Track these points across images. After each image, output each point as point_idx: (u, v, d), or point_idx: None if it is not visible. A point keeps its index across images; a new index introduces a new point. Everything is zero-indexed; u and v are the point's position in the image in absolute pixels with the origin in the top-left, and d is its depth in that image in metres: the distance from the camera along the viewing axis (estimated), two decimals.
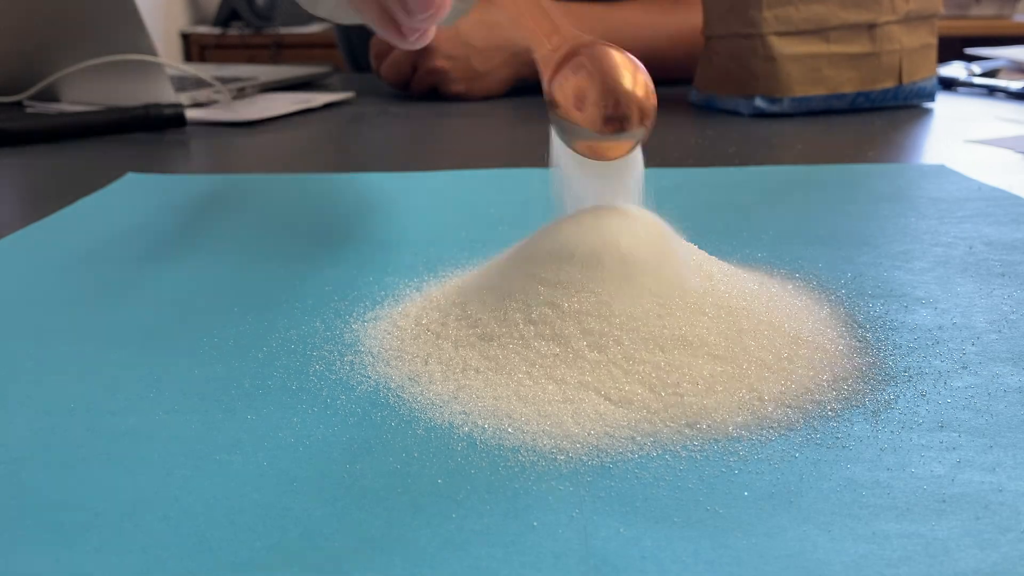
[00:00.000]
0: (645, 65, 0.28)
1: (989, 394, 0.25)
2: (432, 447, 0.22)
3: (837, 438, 0.22)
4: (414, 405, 0.24)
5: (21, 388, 0.26)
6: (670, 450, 0.22)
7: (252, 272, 0.36)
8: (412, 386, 0.25)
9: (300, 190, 0.52)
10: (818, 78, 0.76)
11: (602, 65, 0.27)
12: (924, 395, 0.25)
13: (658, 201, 0.30)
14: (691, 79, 0.87)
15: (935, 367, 0.26)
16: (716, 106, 0.82)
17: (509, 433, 0.23)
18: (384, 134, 0.76)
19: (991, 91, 0.90)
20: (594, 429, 0.23)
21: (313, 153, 0.68)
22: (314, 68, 1.12)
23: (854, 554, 0.18)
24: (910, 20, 0.77)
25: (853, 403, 0.24)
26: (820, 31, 0.75)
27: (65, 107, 0.80)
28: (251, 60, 2.79)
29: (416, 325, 0.29)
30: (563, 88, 0.28)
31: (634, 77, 0.27)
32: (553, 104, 0.28)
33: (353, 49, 1.28)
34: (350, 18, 0.40)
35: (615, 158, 0.28)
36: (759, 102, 0.76)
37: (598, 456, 0.22)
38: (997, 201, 0.46)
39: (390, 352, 0.27)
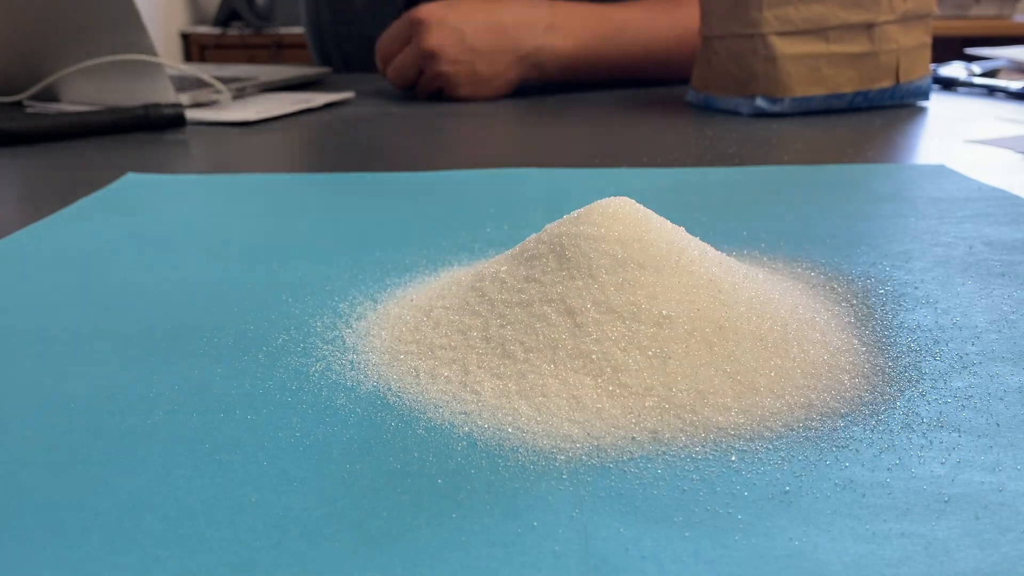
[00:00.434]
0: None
1: (989, 394, 0.25)
2: (432, 447, 0.22)
3: (837, 438, 0.22)
4: (414, 405, 0.24)
5: (21, 388, 0.26)
6: (670, 450, 0.22)
7: (252, 272, 0.36)
8: (412, 386, 0.25)
9: (300, 190, 0.52)
10: (818, 78, 0.76)
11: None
12: (924, 395, 0.25)
13: (658, 201, 0.30)
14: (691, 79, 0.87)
15: (935, 367, 0.26)
16: (715, 106, 0.82)
17: (509, 433, 0.23)
18: (384, 134, 0.76)
19: (991, 91, 0.90)
20: (594, 429, 0.23)
21: (313, 153, 0.68)
22: (314, 68, 1.12)
23: (854, 554, 0.18)
24: (907, 20, 0.77)
25: (853, 403, 0.24)
26: (820, 31, 0.75)
27: (65, 107, 0.80)
28: (251, 60, 2.79)
29: (416, 325, 0.29)
30: None
31: None
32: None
33: (324, 45, 1.28)
34: None
35: None
36: (760, 102, 0.76)
37: (598, 456, 0.22)
38: (997, 201, 0.46)
39: (390, 352, 0.27)
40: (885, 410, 0.24)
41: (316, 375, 0.26)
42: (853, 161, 0.58)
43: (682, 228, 0.29)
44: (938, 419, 0.23)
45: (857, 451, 0.22)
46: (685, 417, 0.23)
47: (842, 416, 0.23)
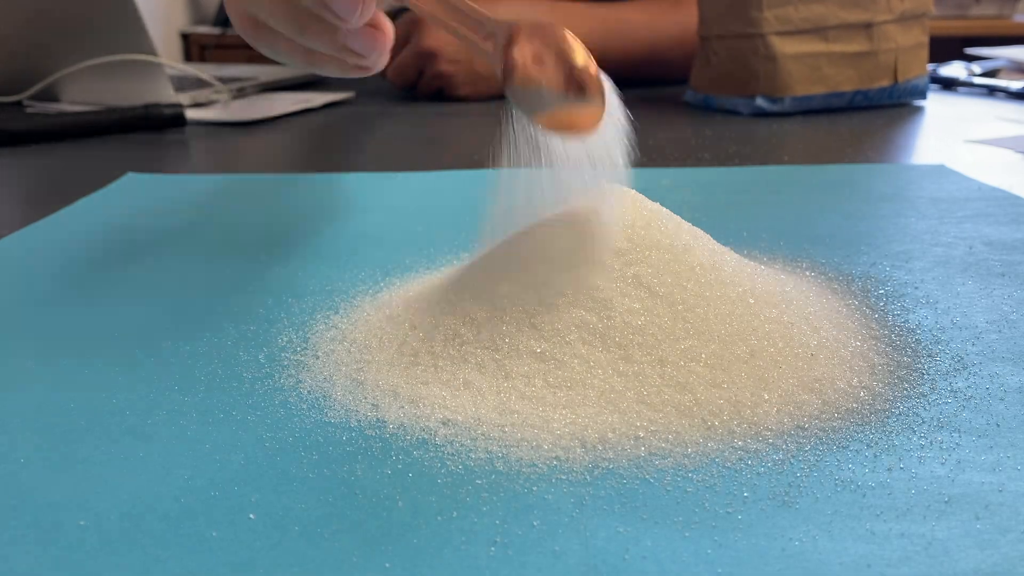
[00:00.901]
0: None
1: (989, 394, 0.25)
2: (433, 447, 0.22)
3: (837, 439, 0.22)
4: (415, 405, 0.24)
5: (21, 388, 0.26)
6: (670, 450, 0.22)
7: (252, 272, 0.36)
8: (413, 386, 0.25)
9: (300, 190, 0.52)
10: (818, 77, 0.77)
11: (553, 35, 0.26)
12: (924, 395, 0.25)
13: (658, 201, 0.30)
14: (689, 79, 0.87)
15: (935, 367, 0.26)
16: (715, 106, 0.82)
17: (509, 433, 0.23)
18: (384, 134, 0.76)
19: (991, 91, 0.90)
20: (594, 429, 0.23)
21: (313, 153, 0.68)
22: None
23: (854, 554, 0.18)
24: (904, 19, 0.78)
25: (853, 403, 0.24)
26: (819, 30, 0.76)
27: (65, 107, 0.80)
28: (251, 60, 2.78)
29: (417, 325, 0.29)
30: (521, 53, 0.27)
31: (585, 52, 0.26)
32: (510, 70, 0.26)
33: None
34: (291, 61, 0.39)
35: (585, 129, 0.26)
36: (760, 101, 0.76)
37: (598, 456, 0.22)
38: (997, 201, 0.46)
39: (392, 352, 0.27)
40: (885, 411, 0.24)
41: (316, 375, 0.26)
42: (853, 161, 0.58)
43: (680, 218, 0.29)
44: (938, 419, 0.23)
45: (857, 452, 0.22)
46: (685, 418, 0.23)
47: (842, 417, 0.23)
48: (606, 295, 0.26)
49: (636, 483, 0.20)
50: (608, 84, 0.26)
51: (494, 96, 0.94)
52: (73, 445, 0.23)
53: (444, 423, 0.23)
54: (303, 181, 0.54)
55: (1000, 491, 0.20)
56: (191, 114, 0.77)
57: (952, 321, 0.30)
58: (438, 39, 0.90)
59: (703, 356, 0.25)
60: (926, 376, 0.26)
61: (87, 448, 0.22)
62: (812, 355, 0.26)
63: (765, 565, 0.17)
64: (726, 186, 0.51)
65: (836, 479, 0.20)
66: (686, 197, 0.48)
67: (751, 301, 0.27)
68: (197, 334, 0.30)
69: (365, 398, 0.25)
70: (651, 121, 0.76)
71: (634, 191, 0.29)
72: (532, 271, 0.27)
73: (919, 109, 0.80)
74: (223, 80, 0.89)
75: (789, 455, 0.22)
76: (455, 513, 0.19)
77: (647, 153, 0.62)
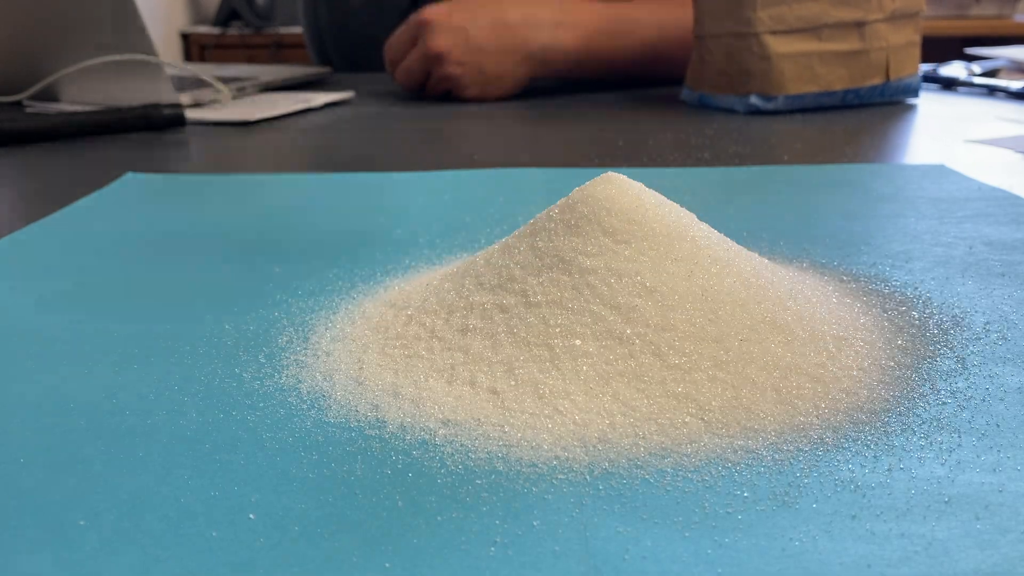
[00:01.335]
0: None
1: (989, 395, 0.25)
2: (433, 447, 0.22)
3: (837, 439, 0.22)
4: (415, 405, 0.24)
5: (21, 388, 0.26)
6: (670, 450, 0.22)
7: (253, 272, 0.36)
8: (414, 386, 0.25)
9: (300, 190, 0.52)
10: (811, 76, 0.78)
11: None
12: (924, 396, 0.25)
13: None
14: None
15: (935, 367, 0.26)
16: (710, 104, 0.82)
17: (509, 433, 0.23)
18: (384, 134, 0.76)
19: (991, 91, 0.90)
20: (594, 429, 0.23)
21: (313, 153, 0.68)
22: (314, 68, 1.12)
23: (854, 554, 0.18)
24: (896, 18, 0.79)
25: (853, 403, 0.24)
26: (812, 29, 0.77)
27: (65, 107, 0.80)
28: (251, 60, 2.79)
29: (418, 323, 0.29)
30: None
31: None
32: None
33: (322, 44, 1.27)
34: None
35: None
36: (754, 100, 0.77)
37: (598, 456, 0.22)
38: (997, 201, 0.46)
39: (392, 351, 0.27)
40: (885, 411, 0.24)
41: (316, 375, 0.26)
42: (853, 160, 0.58)
43: (677, 206, 0.30)
44: (938, 420, 0.23)
45: (857, 452, 0.22)
46: (685, 418, 0.23)
47: (842, 416, 0.23)
48: (607, 293, 0.26)
49: (636, 483, 0.20)
50: None
51: (502, 97, 0.94)
52: (73, 445, 0.23)
53: (444, 423, 0.23)
54: (303, 181, 0.54)
55: (1000, 491, 0.20)
56: (191, 114, 0.77)
57: (952, 321, 0.30)
58: (445, 41, 0.90)
59: (704, 355, 0.25)
60: (926, 376, 0.26)
61: (87, 448, 0.22)
62: (812, 355, 0.26)
63: (765, 565, 0.17)
64: (724, 186, 0.51)
65: (836, 479, 0.20)
66: (687, 197, 0.48)
67: (754, 300, 0.27)
68: (197, 334, 0.30)
69: (365, 398, 0.25)
70: (651, 120, 0.76)
71: (626, 178, 0.29)
72: (535, 268, 0.27)
73: (913, 107, 0.81)
74: (223, 80, 0.89)
75: (789, 455, 0.22)
76: (455, 513, 0.19)
77: (648, 152, 0.62)
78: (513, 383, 0.24)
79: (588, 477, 0.21)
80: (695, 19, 0.83)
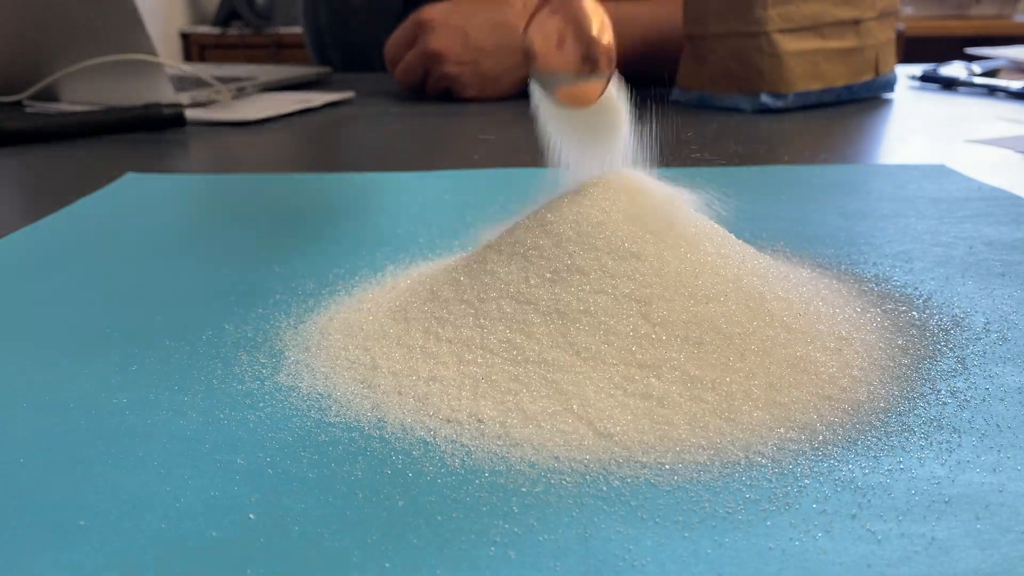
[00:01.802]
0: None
1: (989, 394, 0.25)
2: (433, 447, 0.22)
3: (837, 439, 0.22)
4: (415, 404, 0.24)
5: (21, 388, 0.26)
6: (670, 450, 0.22)
7: (252, 272, 0.36)
8: (414, 385, 0.25)
9: (300, 190, 0.52)
10: (816, 73, 0.79)
11: (573, 9, 0.28)
12: (924, 396, 0.25)
13: None
14: None
15: (935, 367, 0.26)
16: (712, 104, 0.82)
17: (510, 433, 0.23)
18: (384, 134, 0.76)
19: (991, 91, 0.90)
20: (594, 429, 0.23)
21: (313, 153, 0.68)
22: (314, 68, 1.12)
23: (854, 554, 0.18)
24: (882, 16, 0.82)
25: (853, 404, 0.24)
26: (816, 27, 0.79)
27: (65, 107, 0.80)
28: (251, 60, 2.79)
29: (418, 323, 0.29)
30: (542, 30, 0.29)
31: (602, 20, 0.28)
32: (531, 52, 0.29)
33: (322, 44, 1.27)
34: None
35: (592, 100, 0.29)
36: (765, 98, 0.78)
37: (598, 456, 0.22)
38: (997, 201, 0.46)
39: (392, 351, 0.27)
40: (885, 411, 0.24)
41: (317, 375, 0.26)
42: (852, 160, 0.58)
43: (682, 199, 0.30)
44: (938, 420, 0.23)
45: (857, 452, 0.22)
46: (685, 418, 0.23)
47: (842, 416, 0.23)
48: (607, 292, 0.26)
49: (636, 483, 0.20)
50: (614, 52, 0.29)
51: (501, 97, 0.94)
52: (73, 445, 0.23)
53: (445, 422, 0.23)
54: (303, 181, 0.54)
55: (1000, 491, 0.20)
56: (191, 114, 0.77)
57: (952, 321, 0.30)
58: (444, 41, 0.90)
59: (703, 355, 0.25)
60: (926, 376, 0.26)
61: (87, 448, 0.22)
62: (812, 355, 0.26)
63: (765, 565, 0.17)
64: (724, 186, 0.51)
65: (836, 479, 0.20)
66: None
67: (753, 299, 0.27)
68: (197, 334, 0.30)
69: (365, 398, 0.25)
70: (651, 121, 0.76)
71: (637, 172, 0.30)
72: (536, 266, 0.27)
73: (922, 108, 0.81)
74: (223, 80, 0.89)
75: (789, 455, 0.22)
76: (455, 513, 0.19)
77: (647, 153, 0.62)
78: (513, 383, 0.24)
79: (588, 477, 0.21)
80: (689, 19, 0.83)
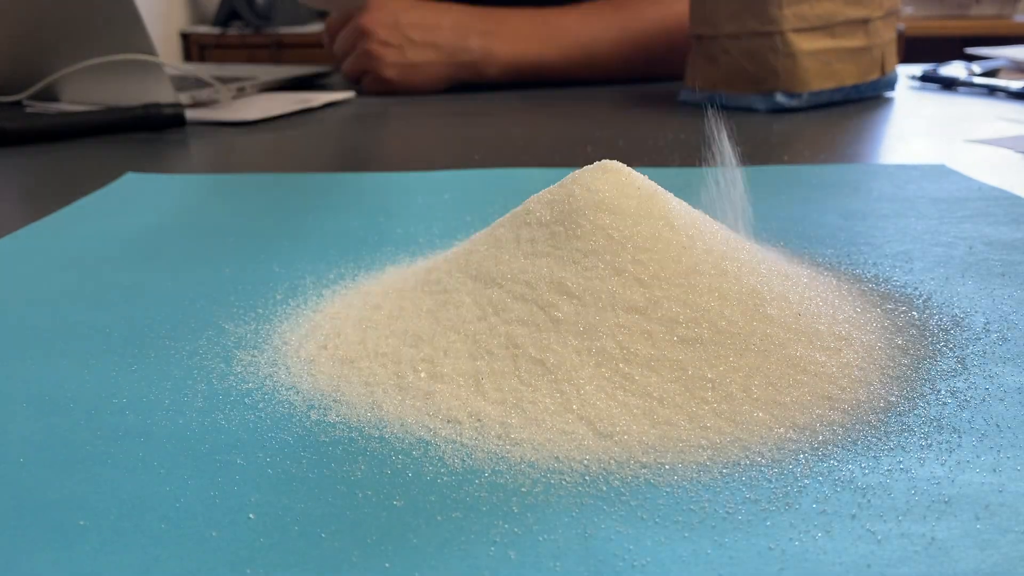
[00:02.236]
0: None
1: (989, 395, 0.25)
2: (433, 447, 0.22)
3: (837, 439, 0.22)
4: (415, 403, 0.24)
5: (21, 388, 0.26)
6: (670, 450, 0.22)
7: (252, 272, 0.36)
8: (414, 385, 0.25)
9: (300, 190, 0.52)
10: (829, 72, 0.80)
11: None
12: (924, 396, 0.25)
13: None
14: (675, 73, 0.92)
15: (935, 367, 0.26)
16: (724, 103, 0.82)
17: (510, 432, 0.23)
18: (384, 134, 0.76)
19: (991, 91, 0.90)
20: (595, 429, 0.23)
21: (313, 153, 0.68)
22: (314, 68, 1.12)
23: (854, 554, 0.18)
24: (887, 16, 0.83)
25: (853, 404, 0.24)
26: (828, 27, 0.79)
27: (65, 107, 0.80)
28: (251, 60, 2.79)
29: (417, 323, 0.29)
30: None
31: None
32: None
33: None
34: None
35: None
36: (780, 98, 0.78)
37: (598, 456, 0.22)
38: (997, 201, 0.46)
39: (392, 351, 0.27)
40: (885, 410, 0.24)
41: (317, 375, 0.26)
42: (852, 160, 0.58)
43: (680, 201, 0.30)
44: (938, 420, 0.23)
45: (857, 452, 0.22)
46: (685, 418, 0.23)
47: (842, 416, 0.23)
48: (607, 291, 0.26)
49: (636, 483, 0.20)
50: None
51: (423, 89, 0.96)
52: (73, 445, 0.23)
53: (445, 422, 0.23)
54: (303, 181, 0.54)
55: (1000, 491, 0.20)
56: (191, 114, 0.77)
57: (952, 321, 0.30)
58: (374, 19, 0.93)
59: (703, 356, 0.25)
60: (926, 376, 0.26)
61: (87, 448, 0.22)
62: (812, 354, 0.26)
63: (765, 565, 0.17)
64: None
65: (836, 479, 0.20)
66: (687, 197, 0.48)
67: (753, 298, 0.27)
68: (197, 334, 0.30)
69: (365, 398, 0.25)
70: (650, 119, 0.76)
71: (624, 166, 0.30)
72: (537, 265, 0.27)
73: (923, 108, 0.81)
74: (223, 80, 0.89)
75: (789, 455, 0.22)
76: (455, 513, 0.19)
77: (649, 152, 0.62)
78: (513, 383, 0.24)
79: (588, 477, 0.21)
80: (698, 19, 0.83)
